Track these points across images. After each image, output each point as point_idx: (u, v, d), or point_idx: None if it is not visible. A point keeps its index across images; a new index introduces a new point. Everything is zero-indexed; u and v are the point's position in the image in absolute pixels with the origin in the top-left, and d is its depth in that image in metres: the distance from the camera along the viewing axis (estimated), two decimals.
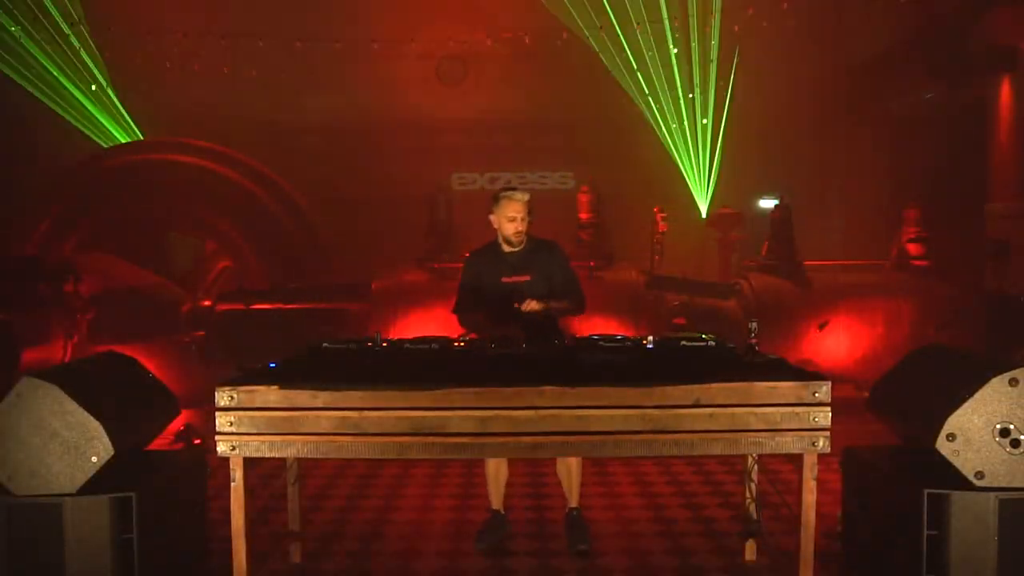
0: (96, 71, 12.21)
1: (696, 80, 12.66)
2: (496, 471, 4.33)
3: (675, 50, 12.23)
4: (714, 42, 12.26)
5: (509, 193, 4.24)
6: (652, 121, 12.92)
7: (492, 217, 4.27)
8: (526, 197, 4.21)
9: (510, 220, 4.19)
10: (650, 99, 12.78)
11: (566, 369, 3.39)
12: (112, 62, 12.26)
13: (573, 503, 4.36)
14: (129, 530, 3.27)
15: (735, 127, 12.77)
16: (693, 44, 12.39)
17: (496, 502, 4.37)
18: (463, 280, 4.36)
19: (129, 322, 8.09)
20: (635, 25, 12.07)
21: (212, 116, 12.22)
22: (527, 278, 4.23)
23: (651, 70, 12.63)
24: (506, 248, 4.29)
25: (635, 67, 12.56)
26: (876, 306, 8.00)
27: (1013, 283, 8.17)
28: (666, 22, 11.95)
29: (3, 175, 10.66)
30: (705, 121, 12.79)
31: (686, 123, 12.91)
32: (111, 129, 12.51)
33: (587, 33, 12.13)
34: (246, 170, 10.81)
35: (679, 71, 12.61)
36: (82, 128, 12.30)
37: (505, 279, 4.24)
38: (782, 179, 12.01)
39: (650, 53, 12.42)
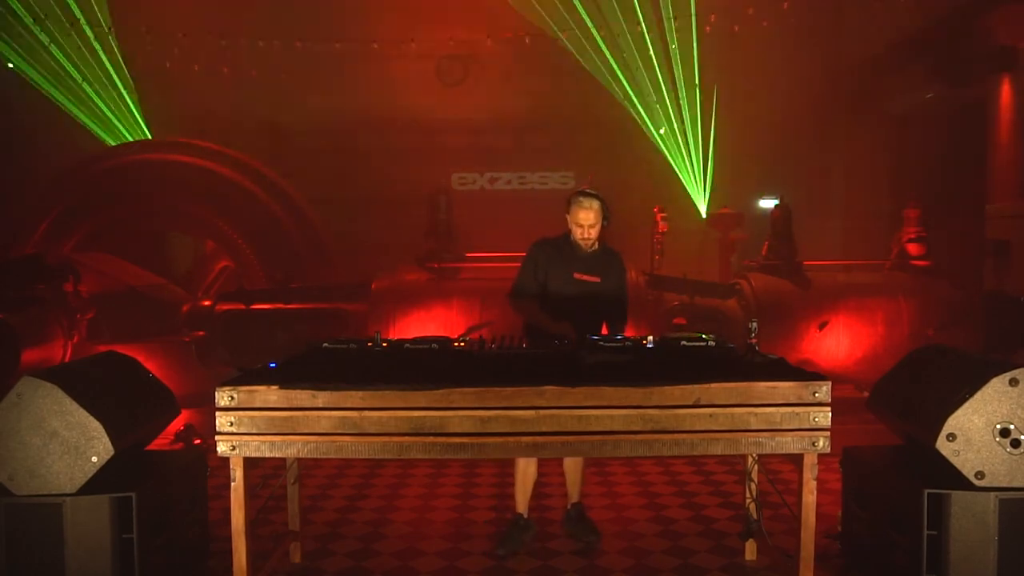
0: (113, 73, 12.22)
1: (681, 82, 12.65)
2: (524, 472, 4.21)
3: (674, 46, 12.12)
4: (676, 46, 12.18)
5: (579, 199, 4.16)
6: (641, 124, 12.93)
7: (568, 217, 4.23)
8: (595, 204, 4.13)
9: (578, 226, 4.15)
10: (636, 102, 12.78)
11: (566, 369, 3.39)
12: (112, 62, 12.26)
13: (576, 498, 4.39)
14: (129, 530, 3.28)
15: (737, 128, 12.76)
16: (673, 47, 12.37)
17: (522, 505, 4.26)
18: (526, 265, 4.27)
19: (129, 322, 8.10)
20: (635, 25, 12.07)
21: (212, 116, 12.23)
22: (598, 280, 4.22)
23: (639, 72, 12.63)
24: (580, 246, 4.22)
25: (618, 69, 12.54)
26: (876, 306, 7.99)
27: (1013, 283, 8.17)
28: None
29: (3, 175, 10.66)
30: (662, 131, 12.74)
31: (676, 125, 12.90)
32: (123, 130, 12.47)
33: (587, 31, 12.11)
34: (246, 170, 10.81)
35: (663, 73, 12.61)
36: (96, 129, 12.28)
37: (577, 275, 4.20)
38: (782, 179, 12.02)
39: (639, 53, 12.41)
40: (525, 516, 4.26)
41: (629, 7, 12.09)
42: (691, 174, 12.98)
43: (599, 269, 4.23)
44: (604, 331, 4.33)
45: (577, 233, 4.16)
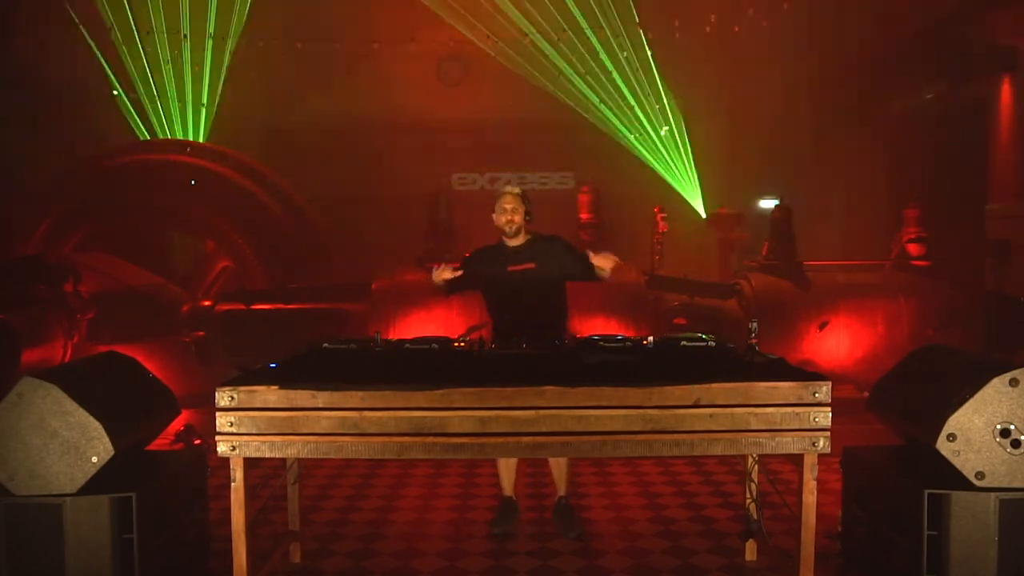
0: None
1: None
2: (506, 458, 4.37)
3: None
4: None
5: (501, 188, 4.48)
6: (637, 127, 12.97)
7: (493, 216, 4.41)
8: (516, 190, 4.42)
9: (502, 211, 4.35)
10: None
11: (566, 369, 3.39)
12: (112, 63, 12.26)
13: (562, 492, 4.44)
14: (129, 530, 3.27)
15: (737, 128, 12.77)
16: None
17: (507, 488, 4.45)
18: (459, 270, 4.43)
19: (129, 322, 8.09)
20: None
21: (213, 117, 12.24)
22: (532, 266, 4.34)
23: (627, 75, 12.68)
24: (508, 243, 4.41)
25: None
26: (876, 306, 7.99)
27: (1013, 283, 8.17)
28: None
29: (3, 175, 10.66)
30: (664, 131, 12.79)
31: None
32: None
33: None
34: (246, 170, 10.81)
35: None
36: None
37: (511, 267, 4.35)
38: (782, 179, 12.03)
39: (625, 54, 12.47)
40: (513, 498, 4.43)
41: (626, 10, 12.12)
42: (687, 176, 12.97)
43: (531, 257, 4.37)
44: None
45: (501, 219, 4.34)
